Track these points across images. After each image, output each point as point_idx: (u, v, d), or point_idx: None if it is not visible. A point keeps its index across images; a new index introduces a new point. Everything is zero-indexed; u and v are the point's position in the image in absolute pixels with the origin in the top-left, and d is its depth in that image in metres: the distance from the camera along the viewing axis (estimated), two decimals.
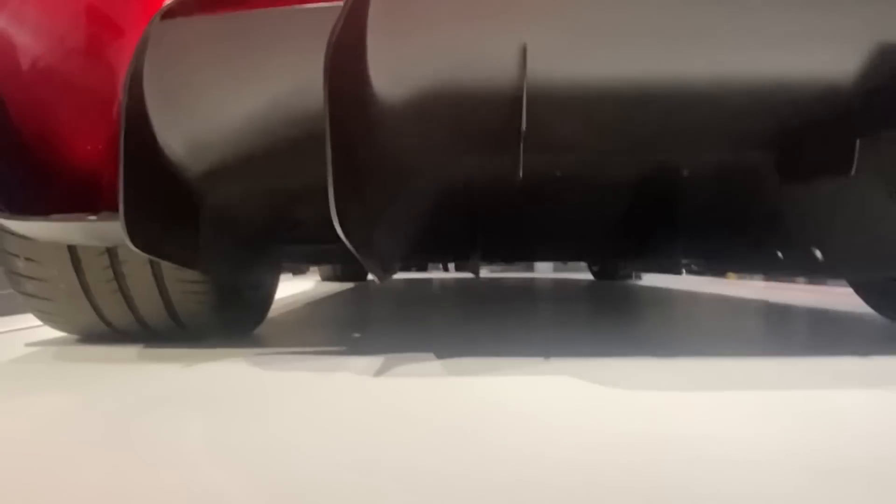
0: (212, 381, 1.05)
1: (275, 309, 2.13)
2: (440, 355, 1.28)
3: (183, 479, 0.59)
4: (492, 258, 1.71)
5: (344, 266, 4.13)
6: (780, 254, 1.62)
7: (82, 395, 0.97)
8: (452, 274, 6.86)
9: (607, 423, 0.79)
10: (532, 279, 5.06)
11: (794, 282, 4.18)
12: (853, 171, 1.03)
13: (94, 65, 1.00)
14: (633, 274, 4.30)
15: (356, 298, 3.01)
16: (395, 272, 1.54)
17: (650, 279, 4.51)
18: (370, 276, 4.72)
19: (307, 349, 1.39)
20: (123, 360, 1.25)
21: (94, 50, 1.00)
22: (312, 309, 2.44)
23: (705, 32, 0.94)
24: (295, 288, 3.68)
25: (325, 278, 4.34)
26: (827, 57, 0.99)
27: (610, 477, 0.60)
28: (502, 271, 7.25)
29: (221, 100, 0.97)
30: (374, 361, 1.20)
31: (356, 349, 1.38)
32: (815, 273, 1.52)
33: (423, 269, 8.20)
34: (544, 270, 7.18)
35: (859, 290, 1.88)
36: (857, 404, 0.88)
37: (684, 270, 2.18)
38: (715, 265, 1.93)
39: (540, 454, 0.67)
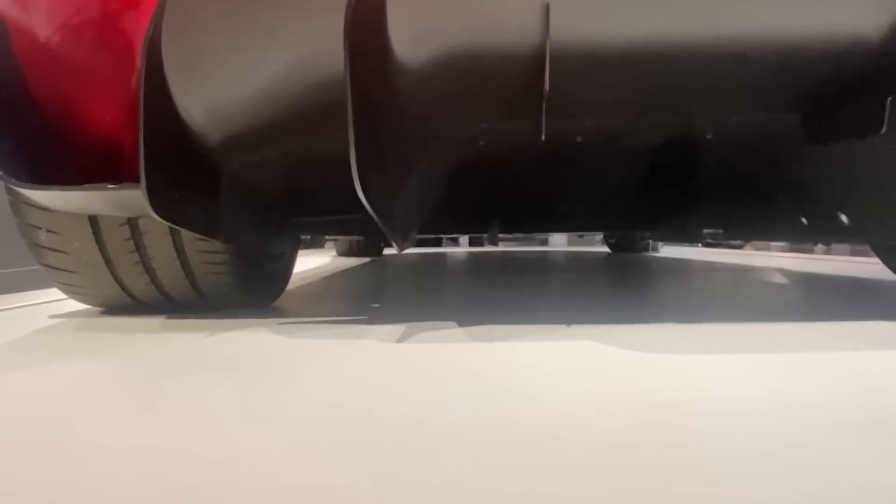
0: (237, 349, 1.05)
1: (293, 282, 2.15)
2: (462, 323, 1.28)
3: (212, 438, 0.60)
4: (511, 228, 1.70)
5: (360, 241, 4.13)
6: (804, 220, 1.60)
7: (108, 363, 0.97)
8: (464, 248, 6.87)
9: (631, 382, 0.79)
10: (545, 252, 5.04)
11: (810, 252, 4.14)
12: (884, 130, 1.01)
13: (113, 33, 0.99)
14: (651, 246, 4.28)
15: (373, 272, 3.01)
16: (413, 242, 1.53)
17: (667, 251, 4.48)
18: (386, 251, 4.73)
19: (328, 318, 1.39)
20: (147, 331, 1.26)
21: (112, 17, 0.99)
22: (330, 282, 2.45)
23: None
24: (311, 263, 3.69)
25: (341, 253, 4.35)
26: (854, 11, 0.96)
27: (632, 432, 0.59)
28: (517, 245, 7.25)
29: (238, 65, 0.96)
30: (396, 329, 1.21)
31: (377, 318, 1.38)
32: (840, 238, 1.50)
33: (437, 243, 8.23)
34: (558, 244, 7.14)
35: (885, 257, 1.86)
36: (880, 364, 0.87)
37: (703, 241, 2.14)
38: (737, 233, 1.90)
39: (567, 411, 0.67)
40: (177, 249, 1.32)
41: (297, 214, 1.47)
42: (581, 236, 6.20)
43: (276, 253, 1.62)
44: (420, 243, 7.56)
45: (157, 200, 0.97)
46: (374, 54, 0.87)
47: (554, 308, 1.55)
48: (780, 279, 2.33)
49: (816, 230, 1.55)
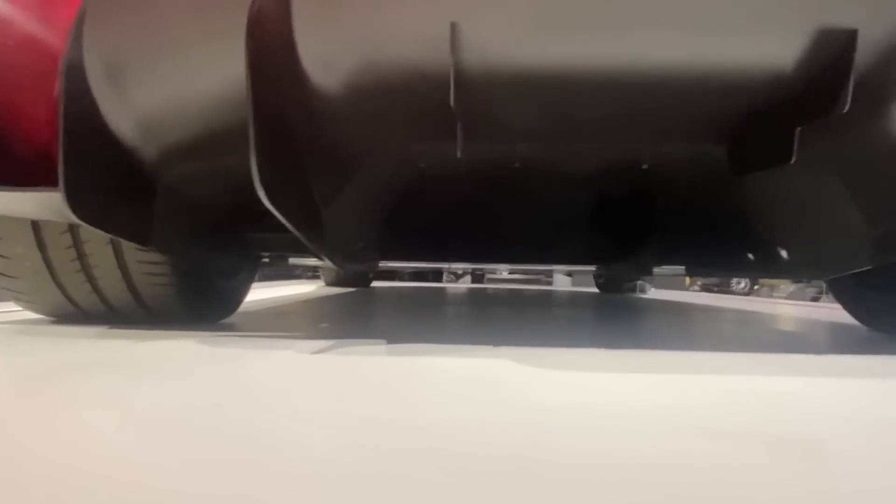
0: (148, 352, 1.06)
1: (262, 304, 2.16)
2: (392, 341, 1.28)
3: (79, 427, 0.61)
4: (462, 258, 1.71)
5: (346, 271, 4.15)
6: (750, 255, 1.60)
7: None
8: (465, 284, 6.87)
9: (525, 393, 0.79)
10: (538, 290, 5.04)
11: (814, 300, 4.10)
12: (793, 160, 1.02)
13: (36, 37, 1.03)
14: (638, 287, 4.26)
15: (350, 300, 3.01)
16: (364, 264, 1.55)
17: (656, 294, 4.46)
18: (375, 282, 4.75)
19: (265, 333, 1.40)
20: (61, 335, 1.27)
21: (39, 23, 1.03)
22: (300, 305, 2.46)
23: (643, 17, 0.94)
24: (294, 290, 3.71)
25: (329, 283, 4.36)
26: (764, 42, 0.98)
27: (505, 434, 0.60)
28: (523, 284, 7.27)
29: (158, 75, 0.99)
30: (323, 343, 1.21)
31: (314, 334, 1.38)
32: (784, 273, 1.50)
33: (438, 278, 8.24)
34: (562, 284, 7.17)
35: (841, 300, 1.85)
36: (783, 388, 0.86)
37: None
38: (693, 270, 1.90)
39: (446, 415, 0.67)
40: (117, 259, 1.34)
41: (244, 230, 1.48)
42: (569, 274, 6.19)
43: (226, 269, 1.64)
44: (419, 277, 7.59)
45: (79, 204, 0.99)
46: (276, 69, 0.90)
47: (493, 333, 1.54)
48: (739, 318, 2.32)
49: (763, 266, 1.55)
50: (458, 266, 2.13)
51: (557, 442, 0.57)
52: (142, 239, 1.17)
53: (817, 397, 0.81)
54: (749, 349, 1.30)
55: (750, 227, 1.47)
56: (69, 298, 1.42)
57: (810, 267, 1.37)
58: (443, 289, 4.97)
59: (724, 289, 8.63)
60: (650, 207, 1.52)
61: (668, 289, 5.39)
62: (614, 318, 2.18)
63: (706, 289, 7.56)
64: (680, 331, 1.76)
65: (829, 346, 1.49)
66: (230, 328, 1.51)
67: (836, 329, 1.90)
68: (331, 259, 1.28)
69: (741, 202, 1.42)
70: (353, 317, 2.04)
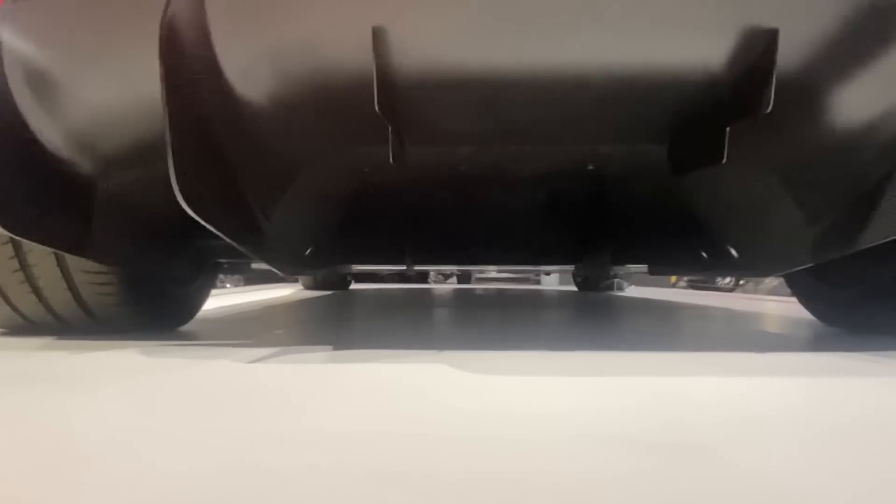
0: (77, 365, 1.05)
1: (230, 310, 2.15)
2: (338, 347, 1.28)
3: None
4: (419, 261, 1.70)
5: (325, 274, 4.14)
6: (704, 254, 1.61)
7: None
8: (451, 285, 6.86)
9: (440, 397, 0.79)
10: (521, 290, 5.04)
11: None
12: (724, 160, 1.02)
13: None
14: (616, 285, 4.27)
15: (321, 303, 3.00)
16: (316, 269, 1.54)
17: (635, 291, 4.47)
18: (354, 285, 4.75)
19: (213, 341, 1.39)
20: (7, 347, 1.26)
21: None
22: (267, 311, 2.45)
23: (571, 19, 0.94)
24: (271, 294, 3.69)
25: (307, 286, 4.35)
26: (690, 42, 0.98)
27: (401, 442, 0.59)
28: (514, 284, 7.27)
29: (81, 85, 0.98)
30: (264, 352, 1.20)
31: (261, 342, 1.37)
32: (736, 271, 1.50)
33: (424, 279, 8.22)
34: (551, 283, 7.18)
35: (798, 296, 1.85)
36: (709, 390, 0.86)
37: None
38: (650, 267, 1.90)
39: (345, 429, 0.67)
40: (61, 269, 1.33)
41: (191, 237, 1.47)
42: (547, 273, 6.20)
43: (178, 276, 1.63)
44: (404, 279, 7.57)
45: (8, 215, 0.99)
46: (194, 78, 0.89)
47: (445, 337, 1.54)
48: (698, 315, 2.32)
49: (716, 264, 1.56)
50: (419, 268, 2.12)
51: (445, 452, 0.57)
52: (79, 249, 1.16)
53: (737, 398, 0.81)
54: (694, 349, 1.30)
55: (699, 225, 1.47)
56: (16, 310, 1.41)
57: (757, 265, 1.37)
58: (424, 290, 4.97)
59: (710, 285, 8.61)
60: (602, 208, 1.52)
61: (653, 286, 5.39)
62: (575, 319, 2.17)
63: (693, 286, 7.55)
64: (631, 330, 1.76)
65: (777, 344, 1.49)
66: (183, 336, 1.50)
67: (795, 325, 1.90)
68: (274, 266, 1.27)
69: (689, 202, 1.43)
70: (312, 322, 2.03)
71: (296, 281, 5.03)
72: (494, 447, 0.59)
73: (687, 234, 1.55)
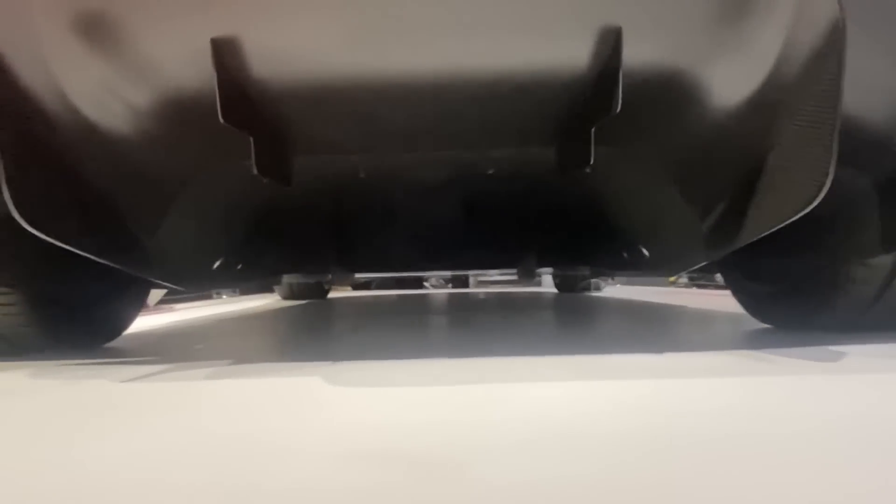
0: None
1: (182, 324, 2.15)
2: (239, 361, 1.27)
3: None
4: (348, 269, 1.69)
5: (301, 283, 4.14)
6: (625, 254, 1.59)
7: None
8: (446, 290, 6.85)
9: (311, 414, 0.78)
10: (508, 294, 5.03)
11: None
12: (592, 161, 1.00)
13: None
14: (592, 286, 4.25)
15: (282, 315, 2.99)
16: (235, 282, 1.53)
17: (615, 291, 4.44)
18: (333, 294, 4.75)
19: (118, 360, 1.38)
20: None
21: None
22: (219, 324, 2.44)
23: (429, 26, 0.93)
24: (244, 305, 3.69)
25: (284, 297, 4.35)
26: (548, 44, 0.97)
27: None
28: (512, 285, 7.22)
29: None
30: (149, 369, 1.20)
31: (167, 358, 1.37)
32: (649, 271, 1.47)
33: (419, 285, 8.21)
34: (548, 285, 7.16)
35: (732, 292, 1.83)
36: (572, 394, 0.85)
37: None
38: (592, 269, 1.88)
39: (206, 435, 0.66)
40: None
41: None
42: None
43: (96, 295, 1.62)
44: (400, 284, 7.56)
45: None
46: (31, 104, 0.89)
47: (355, 347, 1.53)
48: (652, 316, 2.30)
49: (634, 264, 1.54)
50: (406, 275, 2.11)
51: (276, 467, 0.56)
52: None
53: (549, 401, 0.80)
54: (596, 351, 1.28)
55: (611, 227, 1.46)
56: None
57: (662, 264, 1.36)
58: (406, 297, 4.96)
59: (711, 283, 8.44)
60: (518, 212, 1.51)
61: (651, 286, 5.31)
62: (522, 322, 2.16)
63: (696, 285, 7.40)
64: (576, 332, 1.74)
65: (687, 343, 1.47)
66: (102, 353, 1.49)
67: (734, 322, 1.88)
68: (167, 281, 1.26)
69: (598, 203, 1.41)
70: (242, 335, 2.02)
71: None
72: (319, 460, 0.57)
73: (605, 236, 1.54)
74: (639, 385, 0.91)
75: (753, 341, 1.43)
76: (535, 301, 3.50)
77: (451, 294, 5.32)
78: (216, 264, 1.42)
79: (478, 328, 1.91)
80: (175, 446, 0.66)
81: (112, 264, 1.07)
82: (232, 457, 0.61)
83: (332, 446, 0.64)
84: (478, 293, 5.39)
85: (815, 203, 0.91)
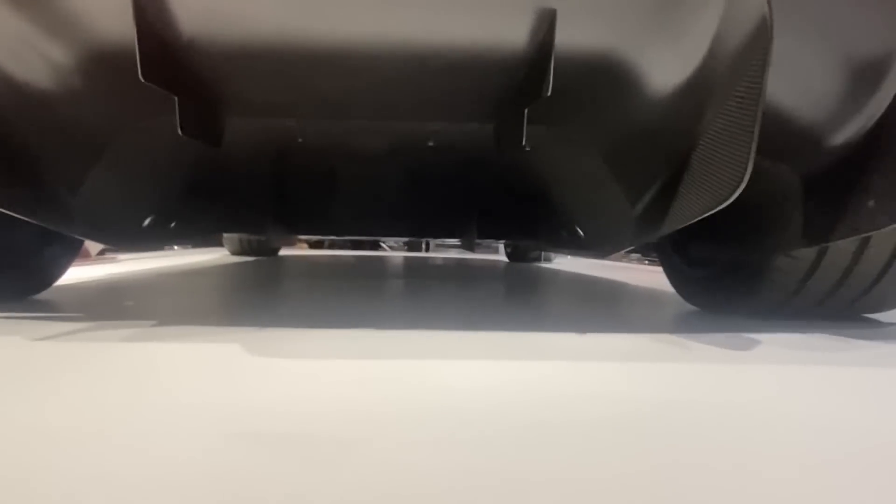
0: None
1: (118, 277, 2.10)
2: (163, 322, 1.26)
3: None
4: (288, 230, 1.67)
5: (252, 239, 4.09)
6: (564, 232, 1.61)
7: None
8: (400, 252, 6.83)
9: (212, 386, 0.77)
10: (454, 259, 5.04)
11: None
12: (523, 142, 1.00)
13: None
14: (543, 256, 4.31)
15: (223, 272, 2.96)
16: (168, 240, 1.50)
17: (559, 262, 4.50)
18: (284, 251, 4.70)
19: (41, 314, 1.35)
20: None
21: None
22: (157, 279, 2.40)
23: None
24: (191, 259, 3.63)
25: (233, 252, 4.29)
26: (487, 22, 0.96)
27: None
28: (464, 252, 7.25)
29: None
30: (72, 326, 1.17)
31: (92, 316, 1.34)
32: (584, 250, 1.50)
33: (376, 247, 8.19)
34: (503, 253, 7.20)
35: (665, 271, 1.87)
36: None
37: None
38: (539, 243, 1.90)
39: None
40: None
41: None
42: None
43: (17, 246, 1.57)
44: (356, 245, 7.53)
45: None
46: None
47: (283, 312, 1.52)
48: (585, 291, 2.34)
49: (571, 242, 1.56)
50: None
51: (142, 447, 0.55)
52: None
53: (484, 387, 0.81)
54: (541, 328, 1.30)
55: (549, 204, 1.47)
56: None
57: (595, 244, 1.38)
58: (360, 258, 4.94)
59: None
60: (455, 184, 1.51)
61: (601, 259, 5.40)
62: (460, 293, 2.18)
63: (647, 259, 7.51)
64: (508, 307, 1.76)
65: (623, 324, 1.50)
66: (24, 307, 1.46)
67: (666, 304, 1.93)
68: (93, 238, 1.23)
69: (536, 181, 1.42)
70: (175, 294, 1.99)
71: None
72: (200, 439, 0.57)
73: (543, 214, 1.55)
74: (540, 366, 0.93)
75: (678, 325, 1.47)
76: (484, 269, 3.53)
77: (405, 258, 5.32)
78: (146, 222, 1.38)
79: (414, 296, 1.92)
80: (33, 414, 0.65)
81: (31, 220, 1.04)
82: (91, 429, 0.60)
83: (209, 426, 0.63)
84: (435, 258, 5.40)
85: (734, 196, 0.93)
